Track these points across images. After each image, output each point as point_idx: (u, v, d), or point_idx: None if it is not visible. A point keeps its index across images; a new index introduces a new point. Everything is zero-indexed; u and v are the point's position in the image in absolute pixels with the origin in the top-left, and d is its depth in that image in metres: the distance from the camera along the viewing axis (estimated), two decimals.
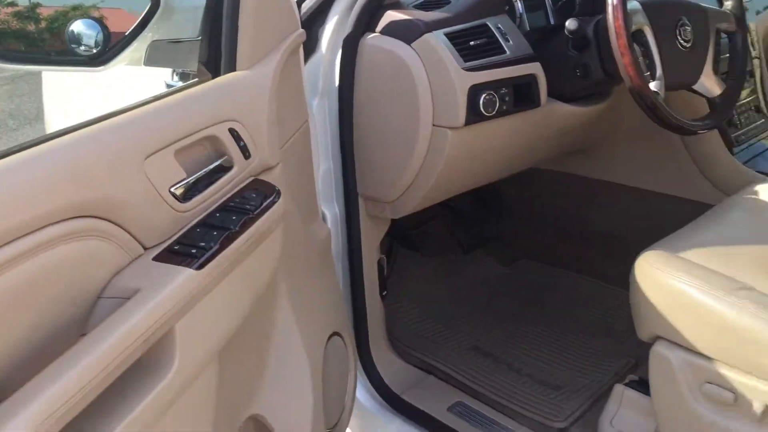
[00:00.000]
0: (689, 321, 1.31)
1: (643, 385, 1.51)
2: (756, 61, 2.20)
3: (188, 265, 0.87)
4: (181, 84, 1.45)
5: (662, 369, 1.38)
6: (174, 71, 1.65)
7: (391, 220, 1.75)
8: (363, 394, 1.72)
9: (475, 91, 1.48)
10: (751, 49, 2.15)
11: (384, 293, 1.80)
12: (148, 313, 0.81)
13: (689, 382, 1.34)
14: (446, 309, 2.13)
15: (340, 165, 1.62)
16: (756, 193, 1.65)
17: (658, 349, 1.39)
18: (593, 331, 1.98)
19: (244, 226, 0.97)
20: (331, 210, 1.64)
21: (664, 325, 1.36)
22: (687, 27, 1.58)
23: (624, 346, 1.86)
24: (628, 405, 1.57)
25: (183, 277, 0.86)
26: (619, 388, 1.59)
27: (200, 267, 0.88)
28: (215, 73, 1.12)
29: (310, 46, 1.59)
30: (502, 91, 1.53)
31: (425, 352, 1.92)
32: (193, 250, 0.90)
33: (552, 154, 1.95)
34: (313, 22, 1.60)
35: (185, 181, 0.96)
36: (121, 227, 0.87)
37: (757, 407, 1.26)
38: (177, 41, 1.64)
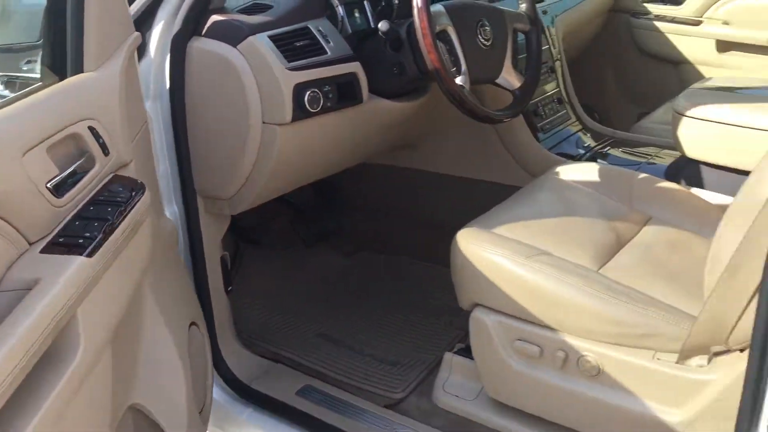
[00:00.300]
0: (499, 286, 1.48)
1: (468, 351, 1.66)
2: (557, 63, 2.46)
3: (79, 254, 0.94)
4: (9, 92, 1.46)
5: (480, 332, 1.55)
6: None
7: (233, 217, 1.82)
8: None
9: (299, 89, 1.58)
10: (552, 48, 2.41)
11: (229, 288, 1.86)
12: (53, 299, 0.86)
13: (503, 341, 1.51)
14: (292, 301, 2.22)
15: (176, 165, 1.67)
16: (557, 174, 1.86)
17: (476, 315, 1.55)
18: (428, 309, 2.13)
19: (120, 217, 1.05)
20: (171, 209, 1.68)
21: (480, 293, 1.53)
22: (486, 27, 1.77)
23: (456, 320, 2.02)
24: (457, 370, 1.73)
25: (77, 264, 0.92)
26: (448, 356, 1.74)
27: (90, 255, 0.95)
28: (61, 76, 1.16)
29: (139, 50, 1.62)
30: (326, 89, 1.64)
31: (273, 342, 2.00)
32: (80, 240, 0.97)
33: (381, 148, 2.09)
34: (140, 27, 1.63)
35: (59, 177, 1.01)
36: (7, 222, 0.91)
37: (559, 357, 1.45)
38: (12, 46, 1.62)
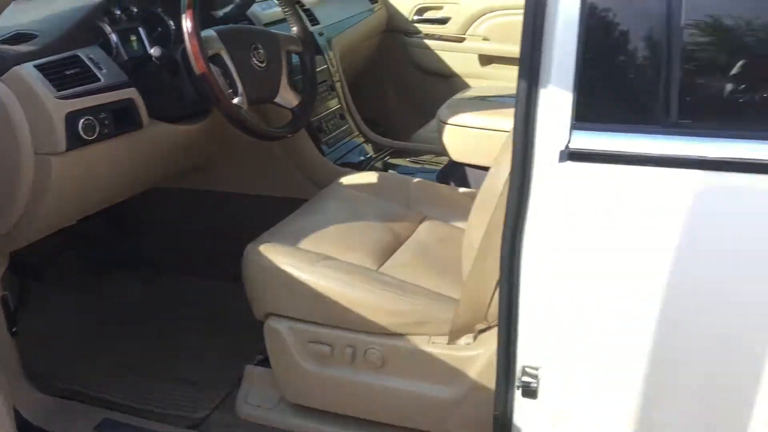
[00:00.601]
0: (288, 294, 1.56)
1: (268, 362, 1.72)
2: (337, 82, 2.59)
3: None
4: None
5: (275, 340, 1.62)
6: None
7: (14, 253, 1.75)
8: None
9: (72, 118, 1.57)
10: (331, 67, 2.55)
11: (14, 330, 1.78)
12: None
13: (296, 345, 1.59)
14: (88, 334, 2.16)
15: None
16: (342, 183, 1.99)
17: (270, 324, 1.62)
18: (231, 326, 2.15)
19: None
20: None
21: (271, 302, 1.60)
22: (260, 50, 1.85)
23: (258, 333, 2.07)
24: (258, 381, 1.78)
25: None
26: (249, 368, 1.79)
27: None
28: None
29: None
30: (102, 116, 1.64)
31: (67, 380, 1.93)
32: None
33: (169, 171, 2.10)
34: None
35: None
36: None
37: (348, 353, 1.55)
38: None
